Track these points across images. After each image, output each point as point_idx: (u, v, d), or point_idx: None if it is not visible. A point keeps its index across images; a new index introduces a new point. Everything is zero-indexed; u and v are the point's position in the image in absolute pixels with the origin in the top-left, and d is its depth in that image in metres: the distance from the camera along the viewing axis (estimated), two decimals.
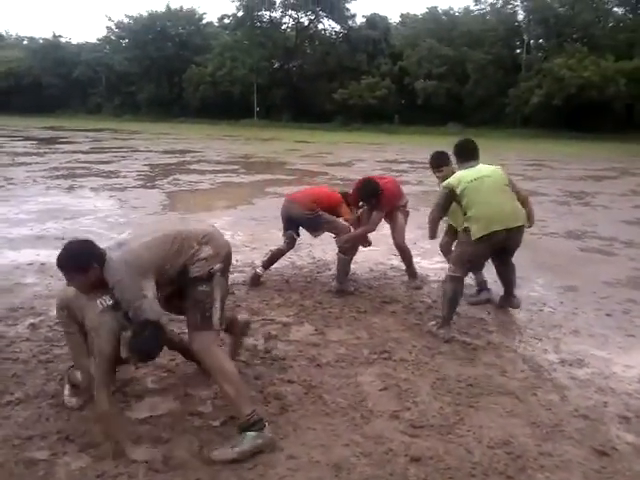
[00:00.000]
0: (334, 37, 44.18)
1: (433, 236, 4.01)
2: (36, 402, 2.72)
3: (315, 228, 4.66)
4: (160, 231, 2.53)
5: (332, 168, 13.84)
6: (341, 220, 4.64)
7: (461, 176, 3.71)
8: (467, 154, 3.88)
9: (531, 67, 33.77)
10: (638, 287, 4.79)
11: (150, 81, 48.22)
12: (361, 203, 4.69)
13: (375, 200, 4.44)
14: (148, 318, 2.29)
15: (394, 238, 4.74)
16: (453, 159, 4.11)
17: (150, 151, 18.17)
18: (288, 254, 5.52)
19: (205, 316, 2.46)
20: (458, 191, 3.65)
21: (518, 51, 37.04)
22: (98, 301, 2.40)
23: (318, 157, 17.20)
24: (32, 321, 3.77)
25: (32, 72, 51.93)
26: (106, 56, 49.92)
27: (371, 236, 4.78)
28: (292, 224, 4.69)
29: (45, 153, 16.58)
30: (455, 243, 4.00)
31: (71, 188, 9.88)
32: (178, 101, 47.84)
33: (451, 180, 3.73)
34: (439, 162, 4.31)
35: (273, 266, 5.15)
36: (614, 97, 28.98)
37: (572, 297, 4.51)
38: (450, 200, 3.76)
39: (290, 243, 4.78)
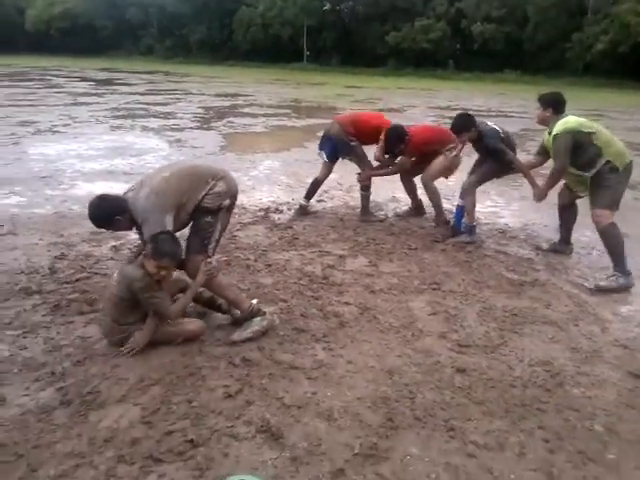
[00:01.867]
0: None
1: (546, 194, 4.04)
2: None
3: (346, 152, 4.93)
4: (177, 168, 2.83)
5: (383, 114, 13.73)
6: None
7: (576, 121, 3.72)
8: (563, 106, 3.89)
9: (599, 10, 31.60)
10: None
11: (201, 22, 47.94)
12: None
13: (403, 146, 4.62)
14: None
15: (422, 175, 4.79)
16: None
17: (203, 94, 18.42)
18: (341, 194, 5.79)
19: (203, 243, 2.79)
20: (588, 131, 3.66)
21: None
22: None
23: (369, 103, 17.03)
24: (114, 244, 4.19)
25: (88, 13, 52.49)
26: None
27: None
28: (327, 143, 4.95)
29: (104, 94, 17.10)
30: (592, 192, 3.78)
31: (132, 128, 10.29)
32: (228, 44, 47.57)
33: (570, 126, 3.69)
34: (460, 127, 4.28)
35: (328, 205, 5.44)
36: None
37: None
38: (572, 145, 3.69)
39: (325, 171, 5.06)
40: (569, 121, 3.73)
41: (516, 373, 2.58)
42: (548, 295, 3.50)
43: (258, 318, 2.84)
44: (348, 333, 2.91)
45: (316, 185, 5.14)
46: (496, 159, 4.28)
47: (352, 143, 4.80)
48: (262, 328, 2.83)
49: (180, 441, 2.04)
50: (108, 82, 22.63)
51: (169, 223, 2.63)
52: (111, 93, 17.52)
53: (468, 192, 4.40)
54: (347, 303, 3.27)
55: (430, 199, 4.82)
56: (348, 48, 41.14)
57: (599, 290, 3.59)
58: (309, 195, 5.13)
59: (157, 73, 31.06)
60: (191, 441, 2.03)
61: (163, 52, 50.03)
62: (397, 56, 37.71)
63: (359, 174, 4.97)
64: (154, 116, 12.12)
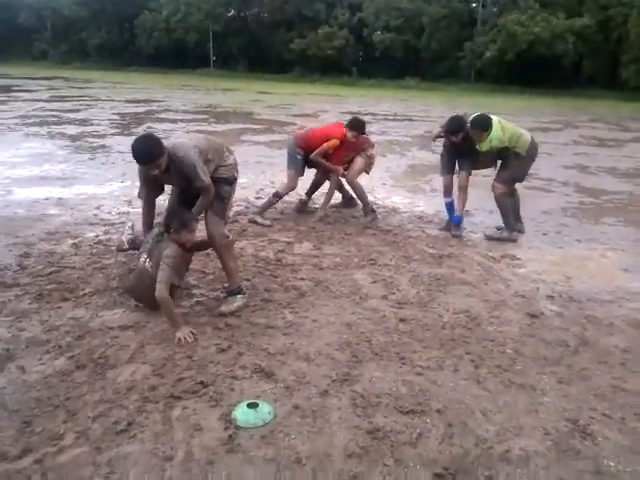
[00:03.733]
0: None
1: None
2: (107, 293, 3.46)
3: (289, 163, 5.38)
4: (197, 136, 3.38)
5: (299, 119, 14.42)
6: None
7: (499, 139, 4.64)
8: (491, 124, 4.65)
9: (486, 22, 34.50)
10: (569, 215, 5.88)
11: (100, 27, 46.22)
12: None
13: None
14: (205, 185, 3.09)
15: (347, 175, 5.42)
16: None
17: (113, 100, 18.12)
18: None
19: (224, 209, 3.32)
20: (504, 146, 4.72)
21: (474, 5, 37.54)
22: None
23: (283, 108, 17.65)
24: (73, 241, 4.44)
25: None
26: (52, 0, 47.18)
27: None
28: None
29: (6, 101, 16.34)
30: (501, 169, 4.95)
31: (50, 135, 10.15)
32: (130, 49, 46.26)
33: (494, 144, 4.65)
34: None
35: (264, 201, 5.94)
36: (562, 54, 30.24)
37: None
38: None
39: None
40: (493, 138, 4.61)
41: (445, 319, 3.27)
42: (462, 264, 4.27)
43: (240, 295, 3.32)
44: (308, 300, 3.47)
45: (316, 185, 5.71)
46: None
47: (298, 157, 5.26)
48: (243, 304, 3.30)
49: (192, 384, 2.50)
50: (6, 89, 21.47)
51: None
52: (14, 100, 16.78)
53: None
54: (302, 279, 3.83)
55: (357, 194, 5.50)
56: (255, 54, 41.60)
57: (488, 239, 4.86)
58: (309, 192, 5.71)
59: (56, 79, 29.76)
60: (201, 382, 2.49)
61: (58, 57, 47.65)
62: (303, 63, 38.72)
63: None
64: (69, 123, 11.94)
